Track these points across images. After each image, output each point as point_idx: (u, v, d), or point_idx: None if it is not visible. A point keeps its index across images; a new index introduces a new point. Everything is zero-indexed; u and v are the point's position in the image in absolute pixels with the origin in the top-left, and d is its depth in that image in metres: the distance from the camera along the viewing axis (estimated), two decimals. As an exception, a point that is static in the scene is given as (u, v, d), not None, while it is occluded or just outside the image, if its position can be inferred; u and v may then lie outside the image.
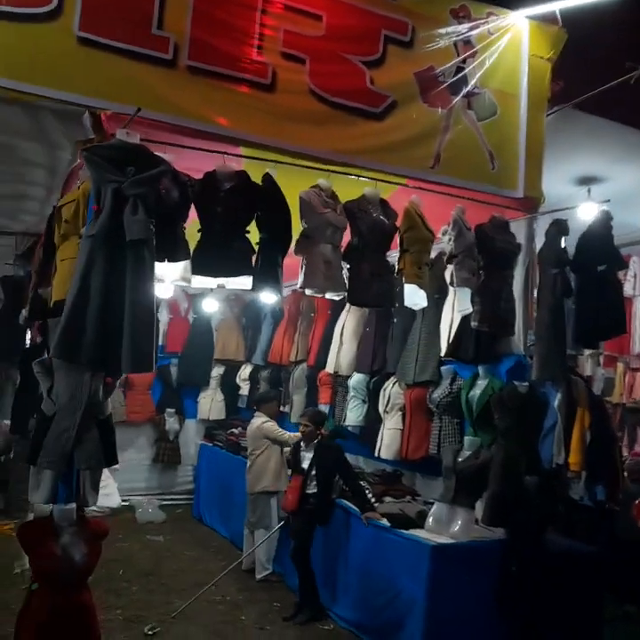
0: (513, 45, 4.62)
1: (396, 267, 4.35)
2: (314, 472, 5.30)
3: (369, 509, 4.95)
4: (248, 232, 3.92)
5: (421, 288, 4.32)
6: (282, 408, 7.37)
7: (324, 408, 6.59)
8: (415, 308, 4.55)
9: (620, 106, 4.83)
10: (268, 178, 3.98)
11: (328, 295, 4.20)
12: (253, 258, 3.91)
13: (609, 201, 4.21)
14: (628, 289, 7.44)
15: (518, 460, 4.34)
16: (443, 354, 5.17)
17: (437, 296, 5.19)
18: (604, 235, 4.33)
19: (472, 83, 4.49)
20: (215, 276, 3.89)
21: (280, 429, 6.24)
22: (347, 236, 4.32)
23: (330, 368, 6.58)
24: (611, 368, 8.75)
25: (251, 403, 7.77)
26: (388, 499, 5.12)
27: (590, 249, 4.29)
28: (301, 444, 5.53)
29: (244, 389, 8.42)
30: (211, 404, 8.72)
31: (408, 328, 5.65)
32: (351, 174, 4.22)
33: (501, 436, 4.44)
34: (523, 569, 4.31)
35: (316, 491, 5.25)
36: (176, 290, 8.96)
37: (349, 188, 4.42)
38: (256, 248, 3.94)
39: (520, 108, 4.61)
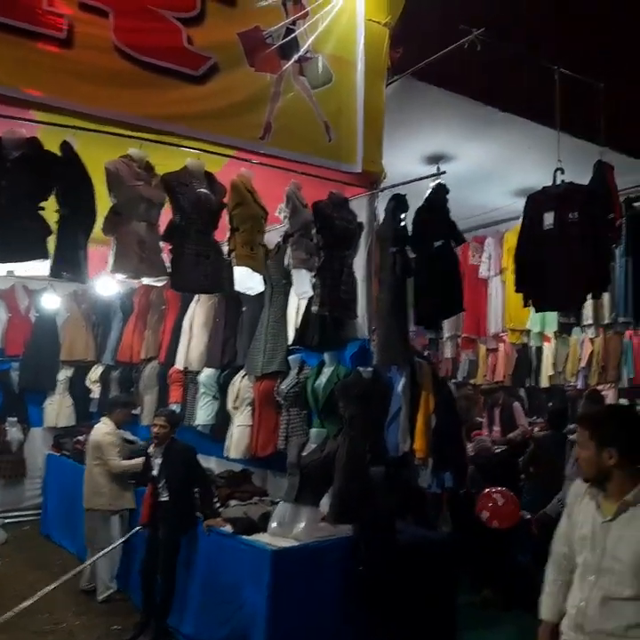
0: (348, 8, 4.32)
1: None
2: (164, 478, 4.82)
3: (210, 516, 4.53)
4: (42, 208, 3.38)
5: (255, 271, 3.95)
6: (134, 411, 6.79)
7: (175, 407, 6.10)
8: (249, 292, 4.18)
9: (461, 76, 4.68)
10: (66, 146, 3.47)
11: (145, 280, 3.74)
12: (48, 238, 3.37)
13: (445, 173, 4.00)
14: (483, 270, 7.46)
15: (363, 450, 4.08)
16: (290, 342, 4.86)
17: (285, 281, 4.87)
18: (439, 209, 4.13)
19: (304, 47, 4.15)
20: (-1, 261, 3.32)
21: (114, 455, 5.66)
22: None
23: (179, 364, 6.09)
24: (469, 350, 8.83)
25: (102, 407, 7.13)
26: (233, 502, 4.72)
27: (426, 224, 4.07)
28: (150, 448, 5.03)
29: (96, 392, 7.73)
30: (58, 409, 7.97)
31: (257, 317, 5.28)
32: (168, 143, 3.76)
33: (347, 425, 4.16)
34: (371, 567, 4.06)
35: (167, 499, 4.78)
36: (15, 285, 8.16)
37: (172, 159, 3.97)
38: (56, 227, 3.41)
39: (357, 76, 4.33)
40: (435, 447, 4.22)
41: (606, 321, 7.08)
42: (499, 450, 6.36)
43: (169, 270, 3.75)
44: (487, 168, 6.32)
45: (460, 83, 4.73)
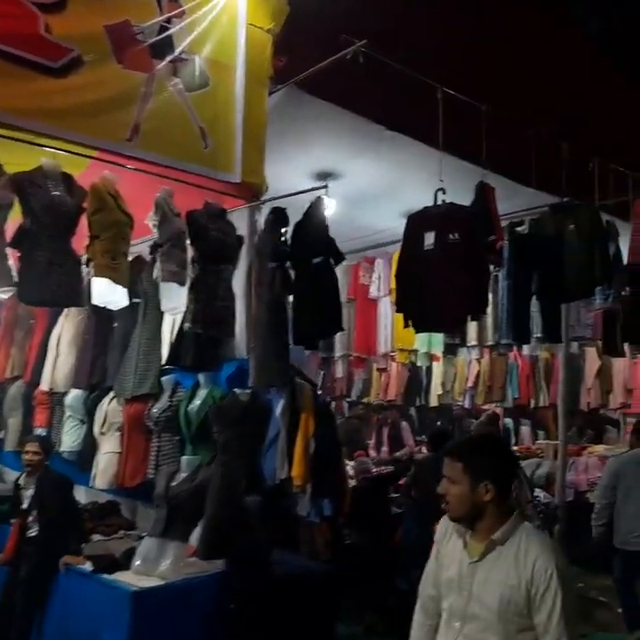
0: (228, 11, 4.11)
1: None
2: (36, 511, 4.32)
3: (69, 553, 4.10)
4: None
5: (117, 283, 3.61)
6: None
7: (42, 432, 5.57)
8: (110, 307, 3.82)
9: (345, 90, 4.57)
10: None
11: (-13, 290, 3.32)
12: None
13: (326, 186, 3.85)
14: (373, 291, 7.44)
15: (238, 478, 3.80)
16: (163, 362, 4.52)
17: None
18: (318, 225, 3.96)
19: (179, 47, 3.90)
20: None
21: None
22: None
23: (45, 384, 5.58)
24: (361, 369, 8.79)
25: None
26: (96, 536, 4.30)
27: (304, 240, 3.89)
28: (21, 478, 4.52)
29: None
30: None
31: (130, 333, 4.89)
32: (20, 140, 3.38)
33: (220, 451, 3.88)
34: (244, 603, 3.78)
35: (36, 533, 4.29)
36: None
37: (29, 159, 3.59)
38: None
39: (236, 81, 4.11)
40: (313, 473, 4.02)
41: (489, 342, 7.24)
42: (376, 470, 6.26)
43: (16, 280, 3.35)
44: (376, 188, 6.28)
45: (345, 97, 4.63)
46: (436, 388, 10.82)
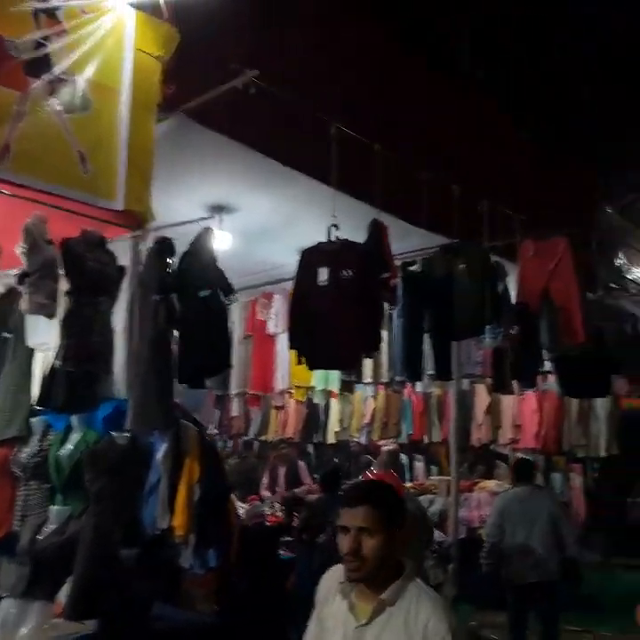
0: (115, 34, 3.91)
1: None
2: None
3: None
4: None
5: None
6: None
7: None
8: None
9: (237, 122, 4.47)
10: None
11: None
12: None
13: (213, 217, 3.69)
14: (270, 327, 7.29)
15: (112, 530, 3.50)
16: (34, 402, 4.14)
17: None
18: (205, 255, 3.79)
19: (59, 67, 3.66)
20: None
21: None
22: None
23: None
24: (256, 407, 8.59)
25: None
26: (-54, 600, 3.81)
27: (190, 272, 3.71)
28: None
29: None
30: None
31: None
32: None
33: (94, 501, 3.56)
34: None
35: None
36: None
37: None
38: None
39: (121, 106, 3.90)
40: (197, 522, 3.76)
41: (384, 379, 7.26)
42: (270, 512, 6.04)
43: None
44: (272, 222, 6.21)
45: (238, 129, 4.53)
46: (333, 425, 10.77)
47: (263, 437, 10.87)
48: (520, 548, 5.18)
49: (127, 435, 3.71)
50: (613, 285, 9.59)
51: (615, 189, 9.72)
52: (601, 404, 8.89)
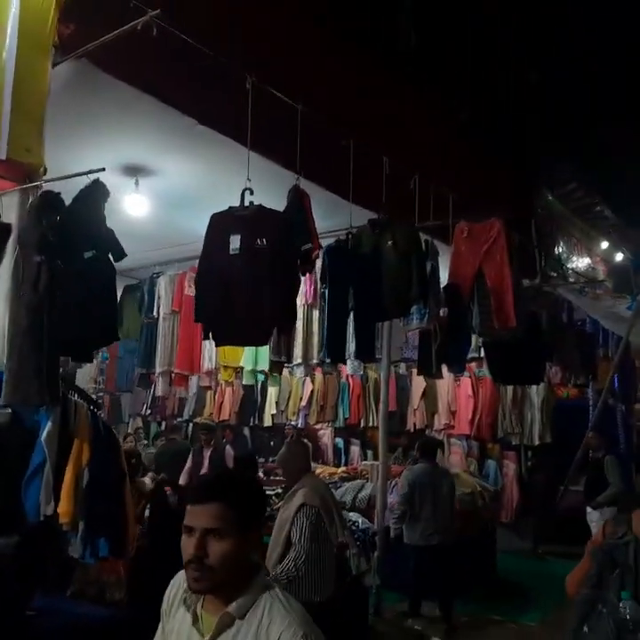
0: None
1: None
2: None
3: None
4: None
5: None
6: None
7: None
8: None
9: (142, 71, 4.08)
10: None
11: None
12: None
13: (103, 169, 3.31)
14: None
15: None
16: None
17: None
18: (92, 212, 3.41)
19: None
20: None
21: None
22: None
23: None
24: (182, 387, 8.23)
25: None
26: None
27: (74, 230, 3.32)
28: None
29: None
30: None
31: None
32: None
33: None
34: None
35: None
36: None
37: None
38: None
39: (6, 43, 3.48)
40: (87, 509, 3.41)
41: (315, 361, 7.00)
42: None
43: None
44: (197, 189, 5.84)
45: (146, 79, 4.15)
46: (270, 407, 10.53)
47: (198, 418, 10.55)
48: (426, 516, 5.88)
49: (8, 411, 3.34)
50: (552, 273, 9.56)
51: (556, 176, 9.68)
52: (536, 392, 8.85)
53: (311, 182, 4.72)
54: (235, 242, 3.83)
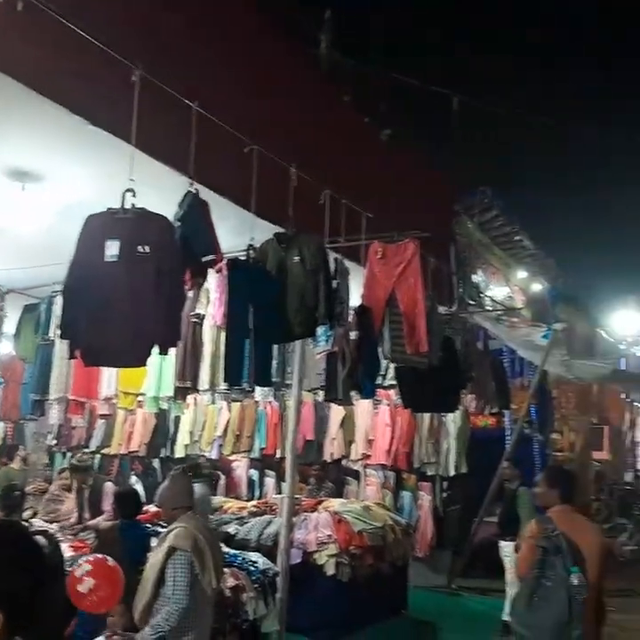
0: None
1: None
2: None
3: None
4: None
5: None
6: None
7: None
8: None
9: (21, 58, 3.64)
10: None
11: None
12: None
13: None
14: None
15: None
16: None
17: None
18: None
19: None
20: None
21: None
22: None
23: None
24: (78, 415, 7.62)
25: None
26: None
27: None
28: None
29: None
30: None
31: None
32: None
33: None
34: None
35: None
36: None
37: None
38: None
39: None
40: None
41: (222, 387, 6.57)
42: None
43: None
44: (90, 196, 5.35)
45: (20, 69, 3.69)
46: (183, 438, 9.95)
47: (106, 450, 9.89)
48: None
49: None
50: (470, 301, 9.51)
51: (476, 203, 9.71)
52: (452, 421, 8.68)
53: (212, 192, 4.36)
54: (112, 248, 3.41)
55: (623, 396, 14.64)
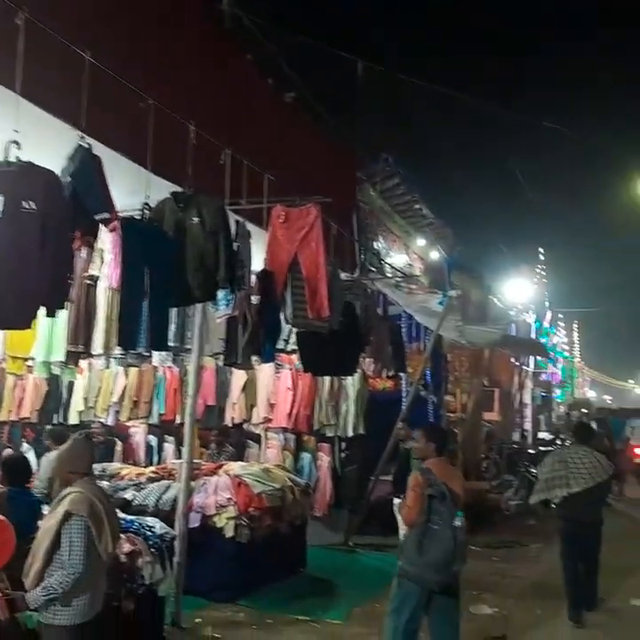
0: None
1: None
2: None
3: None
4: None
5: None
6: None
7: None
8: None
9: None
10: None
11: None
12: None
13: None
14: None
15: None
16: None
17: None
18: None
19: None
20: None
21: None
22: None
23: None
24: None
25: None
26: None
27: None
28: None
29: None
30: None
31: None
32: None
33: None
34: None
35: None
36: None
37: None
38: None
39: None
40: None
41: (117, 351, 6.36)
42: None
43: None
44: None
45: None
46: (77, 404, 9.58)
47: (-6, 417, 9.39)
48: None
49: None
50: (371, 267, 9.67)
51: (378, 170, 9.82)
52: (351, 384, 8.85)
53: (105, 147, 4.14)
54: (-5, 202, 3.19)
55: (513, 360, 15.49)
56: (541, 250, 25.72)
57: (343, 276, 7.22)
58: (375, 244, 10.32)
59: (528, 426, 17.91)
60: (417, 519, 4.03)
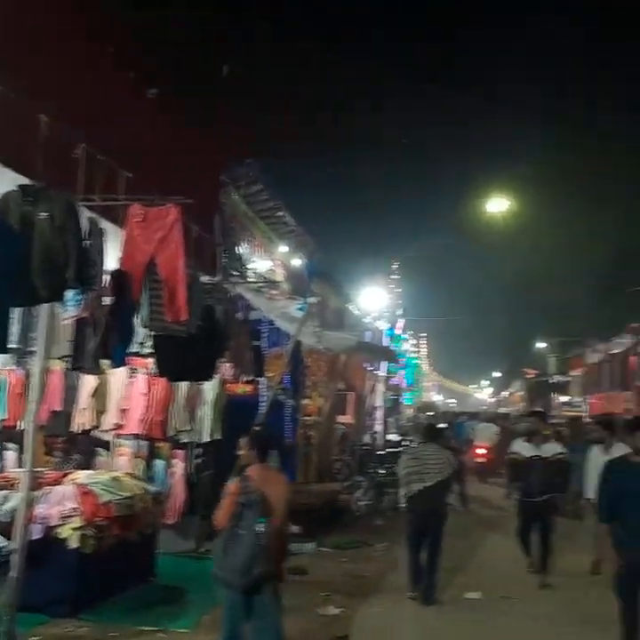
0: None
1: None
2: None
3: None
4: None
5: None
6: None
7: None
8: None
9: None
10: None
11: None
12: None
13: None
14: None
15: None
16: None
17: None
18: None
19: None
20: None
21: None
22: None
23: None
24: None
25: None
26: None
27: None
28: None
29: None
30: None
31: None
32: None
33: None
34: None
35: None
36: None
37: None
38: None
39: None
40: None
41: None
42: None
43: None
44: None
45: None
46: None
47: None
48: None
49: None
50: (233, 271, 9.64)
51: (242, 175, 9.81)
52: (209, 389, 8.75)
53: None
54: None
55: (367, 365, 16.06)
56: (395, 262, 26.95)
57: (204, 279, 7.15)
58: (238, 249, 10.30)
59: (379, 428, 18.57)
60: (226, 523, 4.23)
